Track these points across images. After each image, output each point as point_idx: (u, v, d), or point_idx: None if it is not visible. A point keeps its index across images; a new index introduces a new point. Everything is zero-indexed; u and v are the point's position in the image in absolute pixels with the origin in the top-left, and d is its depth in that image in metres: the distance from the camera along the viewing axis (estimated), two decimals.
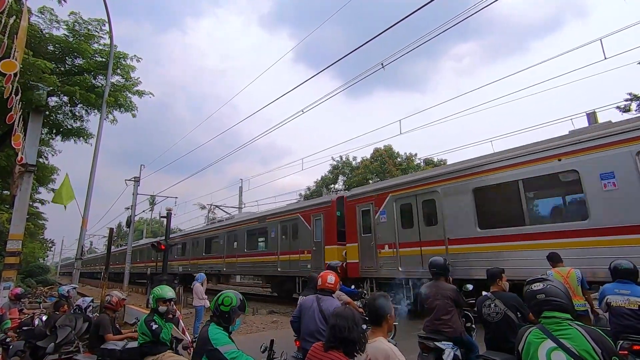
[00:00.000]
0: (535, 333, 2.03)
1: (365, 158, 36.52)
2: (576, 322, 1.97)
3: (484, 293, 4.12)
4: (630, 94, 17.15)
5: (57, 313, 5.52)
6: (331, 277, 3.96)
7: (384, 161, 34.35)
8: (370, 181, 30.23)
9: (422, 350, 4.13)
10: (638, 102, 16.84)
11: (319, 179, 39.36)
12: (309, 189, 39.50)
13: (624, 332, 3.80)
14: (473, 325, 4.62)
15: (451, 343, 3.96)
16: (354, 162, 37.81)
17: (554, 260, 5.72)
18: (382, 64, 9.94)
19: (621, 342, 3.76)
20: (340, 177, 38.69)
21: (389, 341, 2.41)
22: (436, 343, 3.96)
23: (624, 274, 4.08)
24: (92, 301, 5.86)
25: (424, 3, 7.36)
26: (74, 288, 6.90)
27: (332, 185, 38.34)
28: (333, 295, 3.93)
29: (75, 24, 11.48)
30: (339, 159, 37.78)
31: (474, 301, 4.30)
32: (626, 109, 16.89)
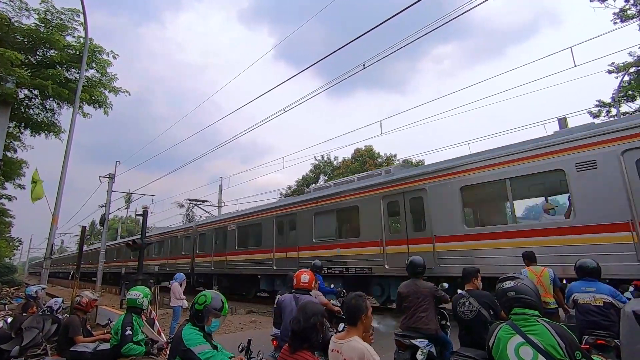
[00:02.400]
0: (505, 329, 2.10)
1: (346, 158, 36.78)
2: (543, 318, 2.06)
3: (459, 291, 4.22)
4: (599, 101, 18.10)
5: (24, 315, 5.28)
6: (305, 276, 3.97)
7: (365, 161, 34.66)
8: None
9: (399, 348, 4.19)
10: (606, 109, 17.83)
11: (300, 177, 39.33)
12: (289, 187, 39.38)
13: (589, 327, 3.97)
14: (448, 323, 4.72)
15: (426, 340, 4.04)
16: (335, 162, 38.00)
17: (529, 258, 5.71)
18: (364, 64, 9.97)
19: (586, 337, 3.93)
20: (322, 177, 38.77)
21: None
22: (412, 340, 4.03)
23: (589, 273, 4.26)
24: (62, 302, 5.65)
25: (407, 4, 7.44)
26: (43, 288, 6.63)
27: (313, 185, 38.37)
28: (310, 293, 3.93)
29: (47, 12, 10.96)
30: (320, 158, 37.91)
31: (449, 298, 4.40)
32: (597, 115, 17.85)
